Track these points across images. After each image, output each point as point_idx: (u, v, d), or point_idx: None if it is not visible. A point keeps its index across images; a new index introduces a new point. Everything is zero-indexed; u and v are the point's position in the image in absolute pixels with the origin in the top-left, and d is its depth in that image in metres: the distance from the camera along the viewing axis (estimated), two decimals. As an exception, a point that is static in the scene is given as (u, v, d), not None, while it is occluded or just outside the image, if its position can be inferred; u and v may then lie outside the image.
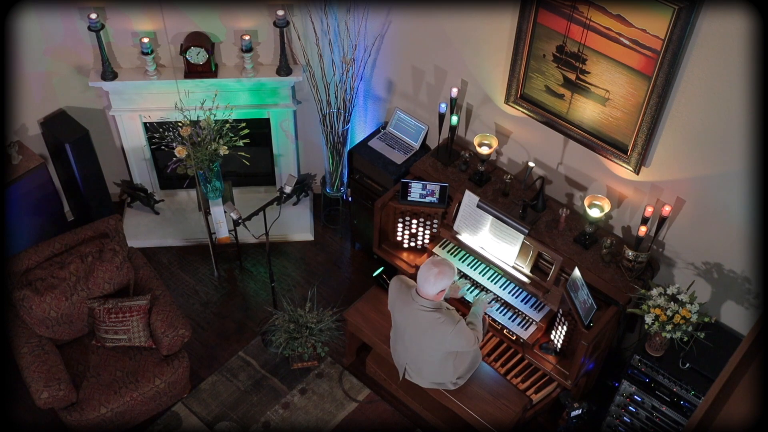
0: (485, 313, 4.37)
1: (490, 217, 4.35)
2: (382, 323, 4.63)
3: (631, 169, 4.14)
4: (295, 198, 5.92)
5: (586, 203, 4.25)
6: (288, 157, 5.74)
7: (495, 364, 4.49)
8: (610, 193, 4.37)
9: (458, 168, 4.77)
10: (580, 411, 4.13)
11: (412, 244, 4.78)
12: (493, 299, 4.45)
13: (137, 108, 5.30)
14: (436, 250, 4.61)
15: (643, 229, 4.09)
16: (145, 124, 5.45)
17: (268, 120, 5.51)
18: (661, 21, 3.52)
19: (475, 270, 4.53)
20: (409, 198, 4.60)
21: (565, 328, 4.16)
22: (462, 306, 4.45)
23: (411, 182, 4.54)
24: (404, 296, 4.02)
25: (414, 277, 4.26)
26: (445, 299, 4.27)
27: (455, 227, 4.53)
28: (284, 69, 5.10)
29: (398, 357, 4.36)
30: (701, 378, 3.99)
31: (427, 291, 3.90)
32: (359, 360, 5.07)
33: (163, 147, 4.98)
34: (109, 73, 5.02)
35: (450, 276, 3.89)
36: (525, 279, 4.32)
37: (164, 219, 5.86)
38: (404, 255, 4.76)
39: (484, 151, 4.53)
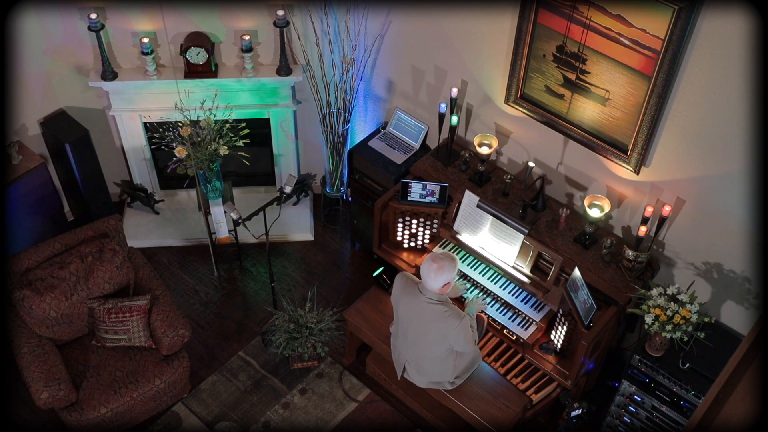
0: (485, 313, 4.37)
1: (490, 217, 4.35)
2: (382, 323, 4.63)
3: (631, 169, 4.14)
4: (295, 198, 5.92)
5: (586, 203, 4.26)
6: (288, 157, 5.74)
7: (495, 364, 4.49)
8: (610, 193, 4.37)
9: (458, 168, 4.77)
10: (580, 411, 4.13)
11: (412, 244, 4.78)
12: (490, 302, 4.45)
13: (137, 108, 5.30)
14: (436, 250, 4.61)
15: (643, 229, 4.09)
16: (145, 124, 5.45)
17: (268, 120, 5.51)
18: (661, 21, 3.52)
19: (475, 270, 4.53)
20: (409, 198, 4.60)
21: (565, 328, 4.16)
22: (460, 305, 4.44)
23: (411, 182, 4.54)
24: (411, 289, 4.04)
25: (416, 276, 4.26)
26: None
27: (455, 227, 4.54)
28: (284, 69, 5.10)
29: (398, 353, 4.36)
30: (701, 378, 3.99)
31: (431, 286, 3.92)
32: (359, 360, 5.07)
33: (163, 147, 4.98)
34: (109, 73, 5.02)
35: (451, 269, 3.90)
36: (525, 279, 4.32)
37: (164, 219, 5.86)
38: (404, 255, 4.76)
39: (484, 151, 4.53)
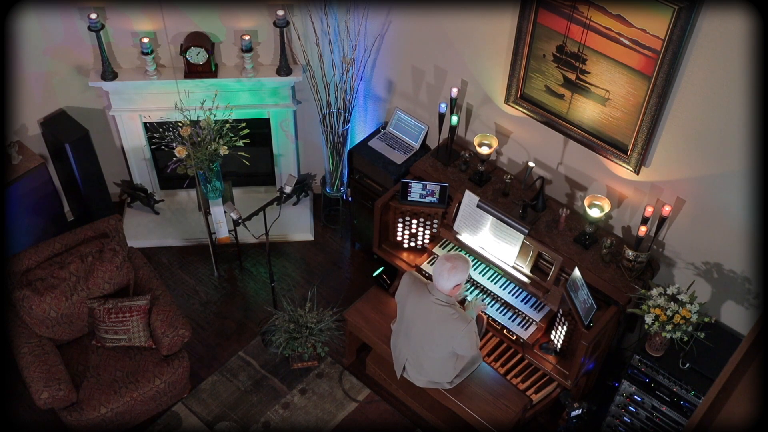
0: (485, 313, 4.37)
1: (490, 217, 4.35)
2: (382, 323, 4.63)
3: (631, 169, 4.14)
4: (295, 198, 5.92)
5: (586, 203, 4.26)
6: (288, 157, 5.74)
7: (495, 364, 4.49)
8: (610, 193, 4.38)
9: (458, 168, 4.77)
10: (580, 411, 4.13)
11: (412, 244, 4.78)
12: (490, 302, 4.45)
13: (137, 108, 5.30)
14: (436, 250, 4.61)
15: (643, 229, 4.09)
16: (145, 124, 5.45)
17: (268, 120, 5.51)
18: (661, 21, 3.53)
19: (475, 270, 4.53)
20: (409, 198, 4.60)
21: (565, 328, 4.16)
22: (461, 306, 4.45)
23: (411, 182, 4.54)
24: (419, 289, 4.04)
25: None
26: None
27: (455, 227, 4.54)
28: (284, 69, 5.10)
29: (399, 352, 4.35)
30: (701, 378, 3.99)
31: (442, 286, 3.92)
32: (359, 360, 5.07)
33: (163, 147, 4.98)
34: (109, 73, 5.02)
35: (464, 270, 3.91)
36: (525, 279, 4.32)
37: (164, 219, 5.86)
38: (404, 255, 4.76)
39: (484, 151, 4.53)
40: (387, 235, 4.83)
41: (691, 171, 3.93)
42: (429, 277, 4.53)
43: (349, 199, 5.57)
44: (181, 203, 5.97)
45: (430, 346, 4.11)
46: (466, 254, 4.57)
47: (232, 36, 5.04)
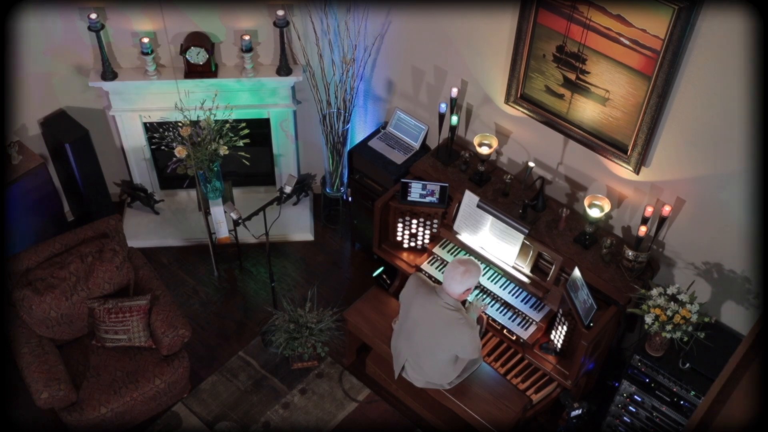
0: (485, 313, 4.37)
1: (490, 217, 4.35)
2: (382, 323, 4.63)
3: (631, 169, 4.14)
4: (295, 198, 5.92)
5: (586, 203, 4.26)
6: (288, 157, 5.74)
7: (495, 364, 4.49)
8: (610, 193, 4.38)
9: (458, 168, 4.77)
10: (580, 411, 4.13)
11: (412, 244, 4.78)
12: (490, 302, 4.45)
13: (137, 108, 5.30)
14: (436, 250, 4.61)
15: (643, 229, 4.09)
16: (145, 124, 5.45)
17: (268, 120, 5.51)
18: (661, 21, 3.53)
19: (475, 270, 4.53)
20: (409, 198, 4.60)
21: (565, 328, 4.16)
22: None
23: (411, 182, 4.54)
24: (427, 291, 4.03)
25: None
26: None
27: (455, 227, 4.54)
28: (284, 69, 5.10)
29: (398, 352, 4.35)
30: (701, 378, 3.99)
31: (453, 289, 3.92)
32: (359, 360, 5.07)
33: (163, 147, 4.98)
34: (109, 73, 5.02)
35: (476, 275, 3.91)
36: (525, 279, 4.32)
37: (164, 219, 5.86)
38: (404, 255, 4.76)
39: (484, 151, 4.54)
40: (387, 235, 4.83)
41: (691, 171, 3.93)
42: (430, 278, 4.53)
43: (349, 199, 5.57)
44: (181, 203, 5.97)
45: (432, 349, 4.11)
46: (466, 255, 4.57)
47: (232, 36, 5.04)
